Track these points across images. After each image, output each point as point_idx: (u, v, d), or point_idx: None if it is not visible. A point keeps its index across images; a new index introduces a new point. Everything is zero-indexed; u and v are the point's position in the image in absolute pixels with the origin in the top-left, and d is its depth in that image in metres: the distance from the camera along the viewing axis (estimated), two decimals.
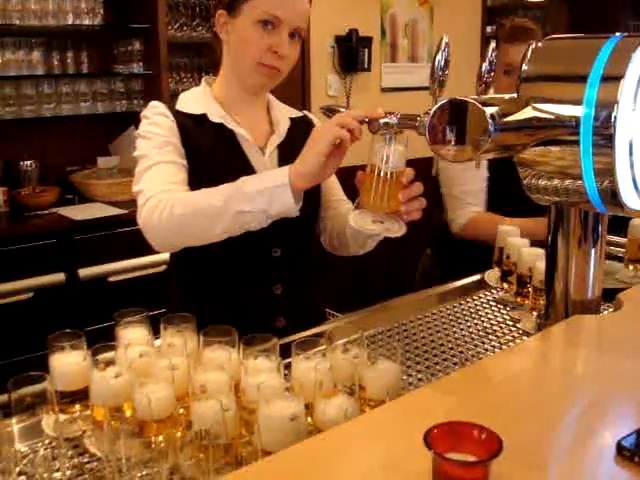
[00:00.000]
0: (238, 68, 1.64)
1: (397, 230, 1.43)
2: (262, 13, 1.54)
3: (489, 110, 1.21)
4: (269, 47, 1.56)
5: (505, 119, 1.26)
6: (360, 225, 1.44)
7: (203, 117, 1.64)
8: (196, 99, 1.69)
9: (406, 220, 1.44)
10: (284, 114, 1.76)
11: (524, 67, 1.38)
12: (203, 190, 1.47)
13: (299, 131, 1.72)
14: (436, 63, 1.35)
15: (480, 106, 1.21)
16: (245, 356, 1.22)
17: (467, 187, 2.35)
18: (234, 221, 1.42)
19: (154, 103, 1.67)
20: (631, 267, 2.04)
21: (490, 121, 1.20)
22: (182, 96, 1.71)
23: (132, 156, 1.64)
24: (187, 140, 1.60)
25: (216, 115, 1.64)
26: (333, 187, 1.82)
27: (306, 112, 1.86)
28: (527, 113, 1.31)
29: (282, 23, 1.55)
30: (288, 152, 1.64)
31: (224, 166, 1.61)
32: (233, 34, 1.60)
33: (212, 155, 1.62)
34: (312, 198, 1.60)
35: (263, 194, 1.40)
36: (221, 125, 1.64)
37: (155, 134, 1.59)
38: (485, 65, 1.42)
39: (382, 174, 1.39)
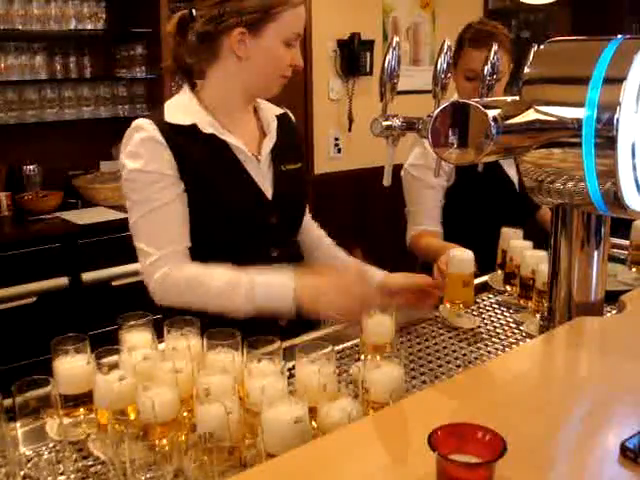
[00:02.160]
0: (259, 81, 1.64)
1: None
2: (290, 33, 1.58)
3: (491, 113, 1.22)
4: (291, 62, 1.61)
5: (507, 122, 1.26)
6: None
7: (193, 128, 1.60)
8: (184, 108, 1.64)
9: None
10: (271, 113, 1.77)
11: (526, 69, 1.38)
12: (215, 286, 1.51)
13: (284, 130, 1.76)
14: (438, 66, 1.35)
15: (482, 109, 1.21)
16: (249, 359, 1.23)
17: (418, 207, 2.36)
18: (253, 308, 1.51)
19: (139, 123, 1.59)
20: (634, 269, 2.04)
21: (492, 124, 1.20)
22: (168, 105, 1.67)
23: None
24: (179, 155, 1.56)
25: (207, 125, 1.61)
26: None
27: (286, 109, 1.86)
28: (529, 115, 1.31)
29: (299, 38, 1.61)
30: (278, 155, 1.69)
31: (220, 177, 1.60)
32: (255, 51, 1.59)
33: (207, 166, 1.60)
34: (300, 205, 1.69)
35: (268, 308, 1.50)
36: (213, 136, 1.61)
37: (141, 178, 1.55)
38: (487, 68, 1.42)
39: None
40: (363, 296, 1.45)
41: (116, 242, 3.23)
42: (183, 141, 1.58)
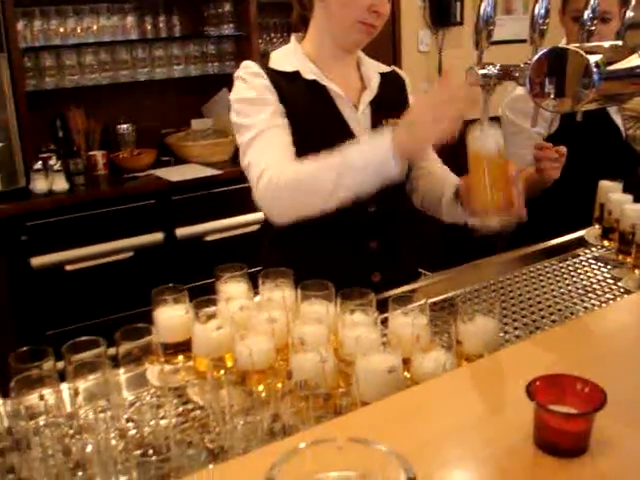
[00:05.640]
0: (336, 27, 1.63)
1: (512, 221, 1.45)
2: None
3: (593, 58, 1.17)
4: (370, 7, 1.56)
5: (610, 67, 1.21)
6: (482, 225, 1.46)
7: (296, 74, 1.65)
8: (288, 57, 1.70)
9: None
10: (374, 70, 1.76)
11: (629, 13, 1.32)
12: (312, 165, 1.48)
13: (389, 86, 1.74)
14: (536, 11, 1.30)
15: (584, 54, 1.17)
16: (342, 310, 1.24)
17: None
18: (346, 195, 1.44)
19: (247, 63, 1.68)
20: None
21: (595, 69, 1.15)
22: (274, 54, 1.72)
23: (227, 119, 1.65)
24: (282, 97, 1.61)
25: (309, 72, 1.65)
26: None
27: (395, 67, 1.85)
28: (633, 61, 1.25)
29: None
30: (380, 108, 1.67)
31: (319, 123, 1.62)
32: None
33: (307, 112, 1.63)
34: None
35: (370, 170, 1.41)
36: (314, 82, 1.64)
37: (252, 98, 1.61)
38: (587, 13, 1.36)
39: (486, 174, 1.38)
40: (451, 100, 1.36)
41: (209, 198, 3.30)
42: (286, 85, 1.63)
